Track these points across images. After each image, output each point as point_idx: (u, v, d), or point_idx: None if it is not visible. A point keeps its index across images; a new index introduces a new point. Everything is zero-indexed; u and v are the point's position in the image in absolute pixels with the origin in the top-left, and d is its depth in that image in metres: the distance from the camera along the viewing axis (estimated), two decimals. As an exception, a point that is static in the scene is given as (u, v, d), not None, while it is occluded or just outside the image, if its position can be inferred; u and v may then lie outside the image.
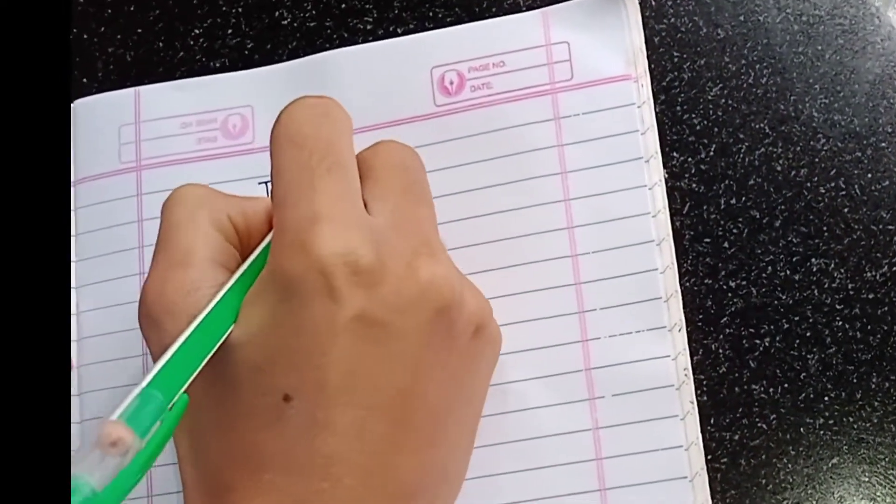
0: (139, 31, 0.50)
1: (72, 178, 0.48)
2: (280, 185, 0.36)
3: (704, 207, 0.45)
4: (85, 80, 0.50)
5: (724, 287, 0.44)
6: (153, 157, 0.48)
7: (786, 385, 0.43)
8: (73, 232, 0.47)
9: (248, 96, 0.48)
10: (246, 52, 0.49)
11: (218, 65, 0.49)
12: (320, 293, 0.34)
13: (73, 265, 0.47)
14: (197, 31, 0.50)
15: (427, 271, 0.36)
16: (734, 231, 0.45)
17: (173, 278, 0.36)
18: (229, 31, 0.49)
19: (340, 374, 0.34)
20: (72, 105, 0.49)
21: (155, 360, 0.35)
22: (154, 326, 0.36)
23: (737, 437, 0.43)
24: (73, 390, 0.46)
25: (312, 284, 0.34)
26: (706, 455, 0.42)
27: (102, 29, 0.50)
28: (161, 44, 0.50)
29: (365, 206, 0.37)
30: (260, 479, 0.34)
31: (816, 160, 0.45)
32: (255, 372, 0.34)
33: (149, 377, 0.32)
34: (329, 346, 0.34)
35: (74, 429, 0.46)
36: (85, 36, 0.50)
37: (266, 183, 0.47)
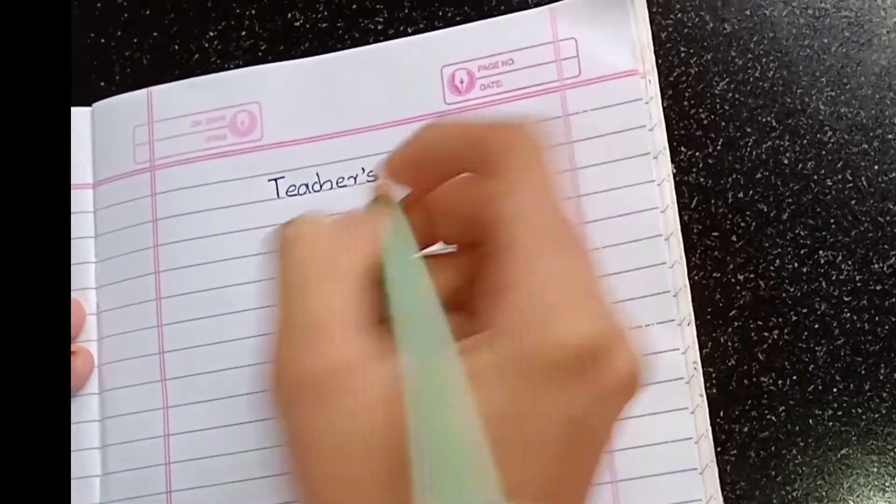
0: (154, 34, 0.49)
1: (91, 181, 0.48)
2: (526, 240, 0.32)
3: (712, 201, 0.44)
4: (102, 83, 0.49)
5: (733, 280, 0.43)
6: (166, 156, 0.47)
7: (794, 377, 0.43)
8: (93, 233, 0.47)
9: (256, 93, 0.47)
10: (259, 54, 0.48)
11: (232, 66, 0.48)
12: (565, 380, 0.30)
13: (93, 266, 0.47)
14: (211, 34, 0.49)
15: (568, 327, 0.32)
16: (742, 224, 0.44)
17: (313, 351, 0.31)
18: (243, 32, 0.49)
19: None
20: (90, 108, 0.48)
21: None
22: (316, 404, 0.30)
23: (746, 429, 0.42)
24: (94, 388, 0.45)
25: (561, 370, 0.30)
26: (716, 447, 0.42)
27: (119, 33, 0.50)
28: (176, 46, 0.49)
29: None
30: None
31: (823, 153, 0.44)
32: None
33: None
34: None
35: (94, 426, 0.45)
36: (102, 40, 0.50)
37: (275, 180, 0.46)
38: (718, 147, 0.45)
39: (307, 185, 0.46)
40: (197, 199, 0.47)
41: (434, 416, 0.29)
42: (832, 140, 0.44)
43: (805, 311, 0.43)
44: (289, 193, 0.46)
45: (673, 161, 0.44)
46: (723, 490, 0.41)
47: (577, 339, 0.31)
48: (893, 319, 0.43)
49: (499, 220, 0.33)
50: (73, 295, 0.46)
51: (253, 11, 0.49)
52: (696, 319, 0.43)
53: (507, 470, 0.30)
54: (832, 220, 0.44)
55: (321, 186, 0.46)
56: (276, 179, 0.46)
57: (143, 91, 0.48)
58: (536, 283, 0.32)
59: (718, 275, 0.44)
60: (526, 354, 0.31)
